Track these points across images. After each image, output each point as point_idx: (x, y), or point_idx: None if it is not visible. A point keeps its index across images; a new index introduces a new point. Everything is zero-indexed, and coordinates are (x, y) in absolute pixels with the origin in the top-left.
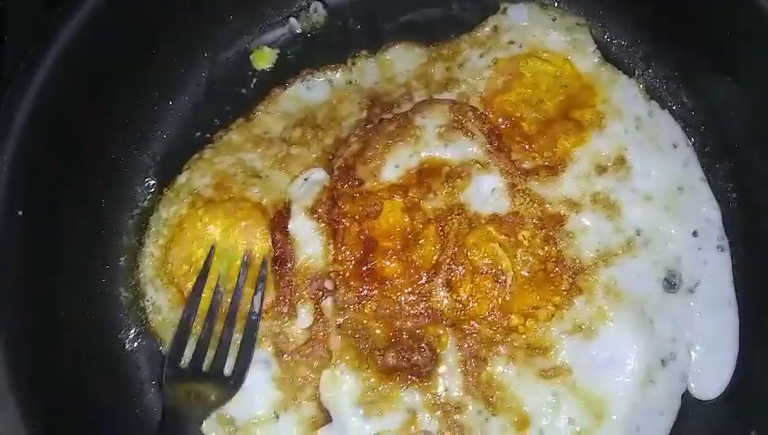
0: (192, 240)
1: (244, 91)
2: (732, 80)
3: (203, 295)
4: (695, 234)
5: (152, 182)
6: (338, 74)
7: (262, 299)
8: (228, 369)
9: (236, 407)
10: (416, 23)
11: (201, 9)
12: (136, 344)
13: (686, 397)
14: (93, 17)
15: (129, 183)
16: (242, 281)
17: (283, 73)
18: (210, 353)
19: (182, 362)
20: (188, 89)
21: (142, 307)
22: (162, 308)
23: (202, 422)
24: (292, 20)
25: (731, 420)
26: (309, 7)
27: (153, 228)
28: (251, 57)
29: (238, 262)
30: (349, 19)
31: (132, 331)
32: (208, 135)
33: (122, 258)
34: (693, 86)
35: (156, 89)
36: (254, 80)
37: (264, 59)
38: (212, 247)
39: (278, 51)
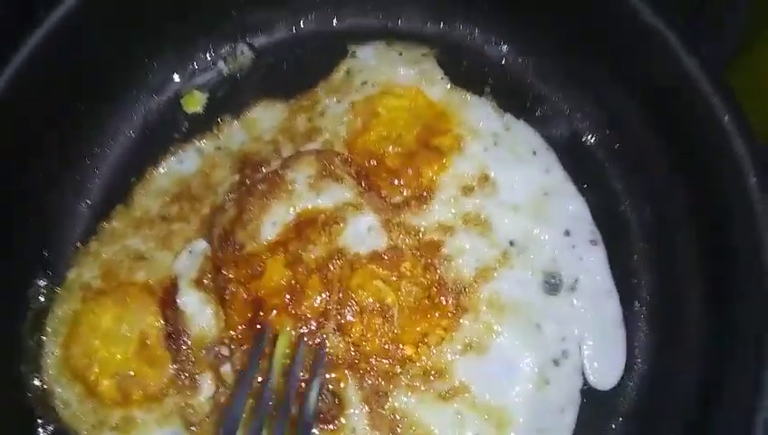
0: (88, 333)
1: (176, 135)
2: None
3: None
4: (566, 233)
5: (42, 283)
6: (205, 142)
7: (317, 398)
8: None
9: None
10: (272, 77)
11: (130, 53)
12: None
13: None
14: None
15: (20, 286)
16: (296, 372)
17: (214, 115)
18: None
19: None
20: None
21: (52, 405)
22: (71, 403)
23: None
24: (221, 63)
25: (634, 404)
26: (236, 50)
27: (50, 328)
28: (181, 101)
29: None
30: (275, 58)
31: (48, 427)
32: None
33: (24, 362)
34: (544, 92)
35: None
36: (186, 123)
37: (195, 102)
38: (261, 335)
39: (208, 94)
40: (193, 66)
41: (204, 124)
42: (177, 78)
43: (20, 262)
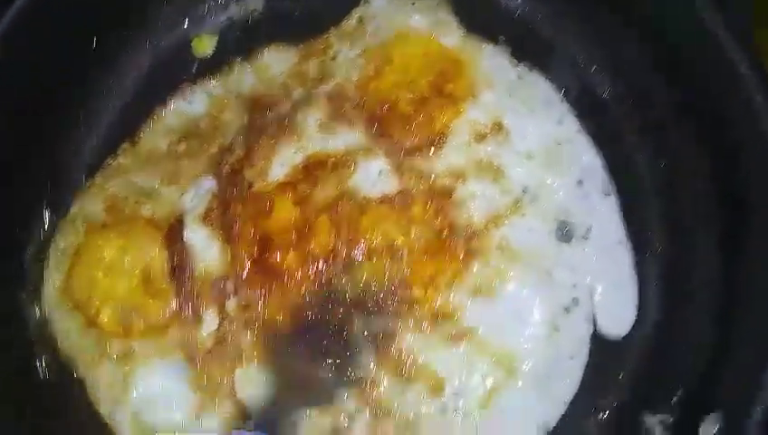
0: (91, 265)
1: (185, 77)
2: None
3: None
4: (579, 183)
5: (46, 214)
6: (216, 84)
7: None
8: None
9: (156, 414)
10: (283, 23)
11: None
12: (51, 374)
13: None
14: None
15: (24, 217)
16: None
17: (223, 59)
18: None
19: None
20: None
21: (51, 335)
22: (71, 334)
23: None
24: (232, 7)
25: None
26: None
27: (52, 259)
28: (191, 44)
29: None
30: (286, 3)
31: (44, 358)
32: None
33: (24, 291)
34: (559, 44)
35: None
36: (195, 66)
37: (204, 46)
38: None
39: (218, 37)
40: (204, 10)
41: (213, 67)
42: (187, 21)
43: (24, 195)
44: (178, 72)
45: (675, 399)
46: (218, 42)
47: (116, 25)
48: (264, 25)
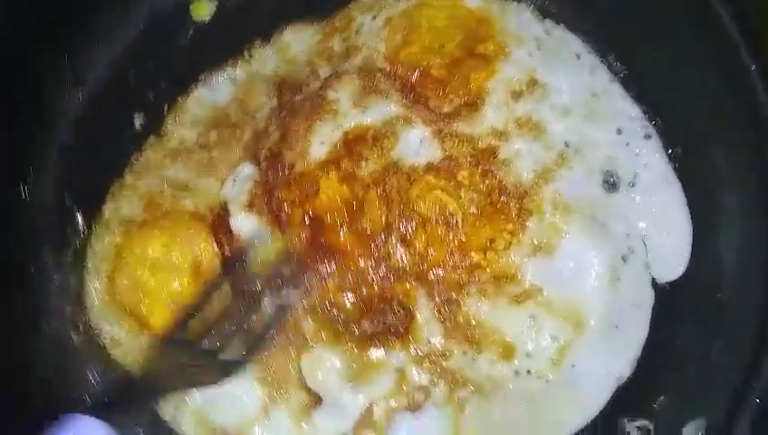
0: (134, 265)
1: (180, 40)
2: None
3: None
4: (619, 131)
5: (79, 219)
6: (237, 69)
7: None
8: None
9: (224, 414)
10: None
11: None
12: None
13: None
14: None
15: (57, 225)
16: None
17: (222, 27)
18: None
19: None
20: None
21: (100, 345)
22: (121, 340)
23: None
24: None
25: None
26: None
27: (90, 265)
28: (190, 8)
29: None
30: None
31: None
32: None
33: (66, 305)
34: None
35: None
36: (191, 31)
37: (203, 10)
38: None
39: (217, 3)
40: None
41: (232, 51)
42: None
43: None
44: (174, 35)
45: None
46: (217, 7)
47: None
48: None
